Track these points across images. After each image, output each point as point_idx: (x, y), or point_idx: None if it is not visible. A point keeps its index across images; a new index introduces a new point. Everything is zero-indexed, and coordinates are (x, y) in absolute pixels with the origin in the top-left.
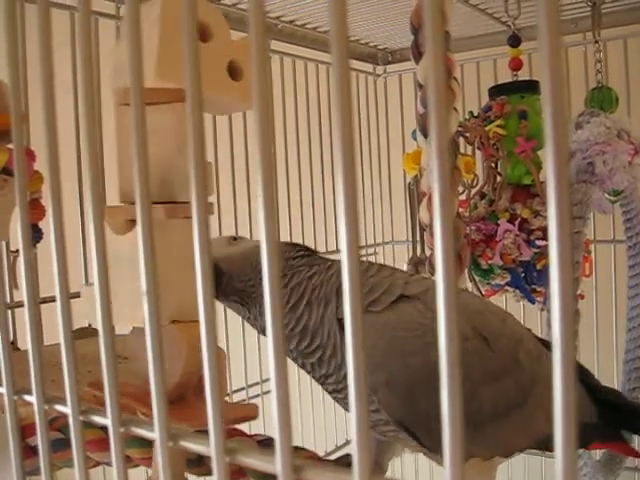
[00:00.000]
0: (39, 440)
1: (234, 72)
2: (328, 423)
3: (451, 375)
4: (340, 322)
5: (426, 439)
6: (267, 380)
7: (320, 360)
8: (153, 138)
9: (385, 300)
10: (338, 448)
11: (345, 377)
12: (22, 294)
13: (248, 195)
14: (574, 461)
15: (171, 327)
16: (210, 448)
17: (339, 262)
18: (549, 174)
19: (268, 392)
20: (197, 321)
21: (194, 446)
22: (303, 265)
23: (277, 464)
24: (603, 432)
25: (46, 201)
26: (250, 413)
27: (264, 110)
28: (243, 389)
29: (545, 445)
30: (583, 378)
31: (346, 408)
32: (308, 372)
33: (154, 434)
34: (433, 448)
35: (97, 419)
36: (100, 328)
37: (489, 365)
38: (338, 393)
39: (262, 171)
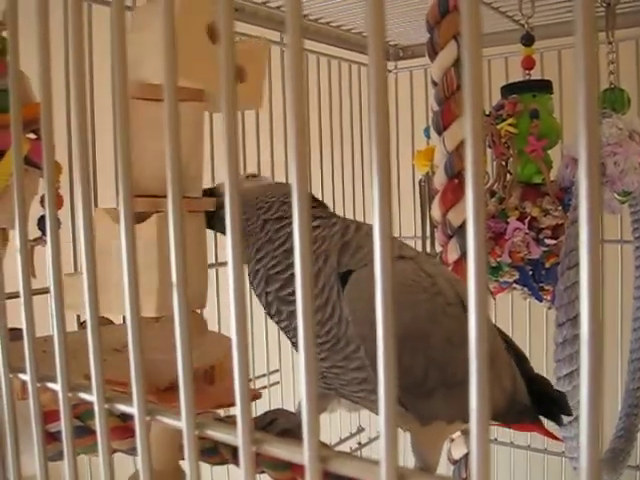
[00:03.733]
0: (63, 427)
1: (238, 74)
2: (333, 416)
3: (480, 372)
4: (341, 277)
5: (404, 395)
6: (274, 372)
7: None
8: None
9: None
10: (342, 441)
11: (328, 332)
12: (48, 281)
13: None
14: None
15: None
16: (237, 438)
17: (343, 220)
18: (581, 172)
19: (275, 384)
20: (194, 312)
21: (221, 435)
22: None
23: (305, 454)
24: (532, 414)
25: (64, 191)
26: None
27: (300, 108)
28: (250, 381)
29: (502, 418)
30: (519, 364)
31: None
32: (272, 317)
33: (180, 423)
34: (407, 404)
35: (122, 407)
36: (128, 318)
37: (466, 330)
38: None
39: (296, 164)
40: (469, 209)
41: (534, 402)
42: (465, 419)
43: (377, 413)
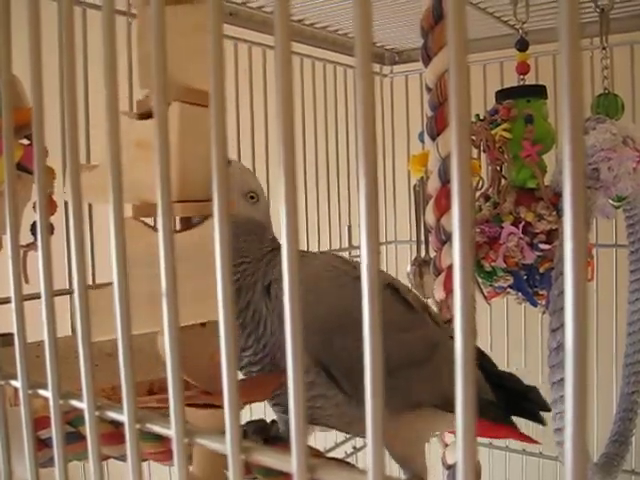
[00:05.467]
0: (54, 435)
1: None
2: None
3: (465, 381)
4: (267, 290)
5: (345, 382)
6: None
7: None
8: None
9: (305, 254)
10: (338, 445)
11: (264, 347)
12: (39, 287)
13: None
14: (584, 463)
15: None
16: (226, 446)
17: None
18: (565, 178)
19: None
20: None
21: (210, 444)
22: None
23: (293, 463)
24: (495, 412)
25: (58, 197)
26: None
27: (288, 111)
28: None
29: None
30: (481, 362)
31: None
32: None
33: (170, 431)
34: (351, 392)
35: (112, 415)
36: (118, 326)
37: (398, 315)
38: (253, 365)
39: (285, 168)
40: (455, 223)
41: (504, 402)
42: (409, 406)
43: (346, 432)
